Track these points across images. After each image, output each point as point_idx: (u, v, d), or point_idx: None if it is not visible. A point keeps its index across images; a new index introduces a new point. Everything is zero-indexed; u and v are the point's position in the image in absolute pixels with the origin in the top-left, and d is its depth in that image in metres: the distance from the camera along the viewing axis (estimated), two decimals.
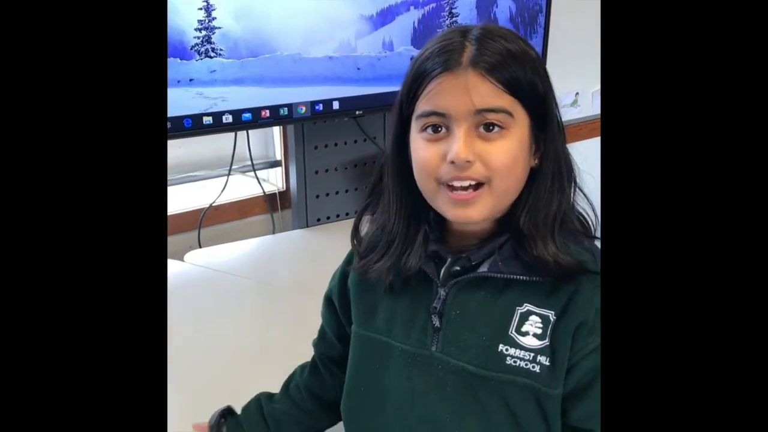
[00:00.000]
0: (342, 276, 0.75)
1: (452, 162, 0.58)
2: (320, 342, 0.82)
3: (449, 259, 0.65)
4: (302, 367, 0.84)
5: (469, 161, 0.58)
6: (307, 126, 1.52)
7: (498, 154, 0.59)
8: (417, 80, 0.60)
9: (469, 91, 0.58)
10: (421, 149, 0.61)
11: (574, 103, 1.98)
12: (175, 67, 1.21)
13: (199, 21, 1.22)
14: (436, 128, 0.60)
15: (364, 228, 0.72)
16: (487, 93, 0.58)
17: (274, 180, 1.69)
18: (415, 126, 0.62)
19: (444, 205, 0.61)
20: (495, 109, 0.58)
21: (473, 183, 0.59)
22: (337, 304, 0.76)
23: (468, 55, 0.58)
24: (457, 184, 0.59)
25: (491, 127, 0.59)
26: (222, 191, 1.54)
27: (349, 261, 0.75)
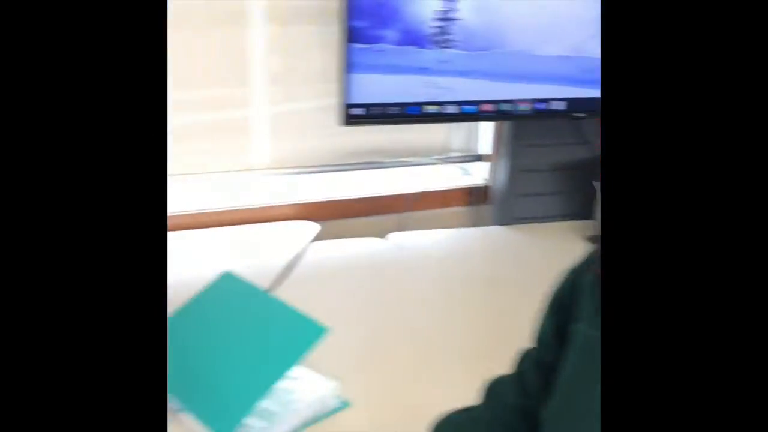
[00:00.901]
0: (571, 274, 0.73)
1: None
2: (537, 346, 0.80)
3: None
4: (510, 385, 0.81)
5: None
6: (522, 122, 1.50)
7: None
8: None
9: None
10: None
11: None
12: (410, 54, 1.24)
13: (438, 12, 1.24)
14: None
15: None
16: None
17: (474, 173, 1.69)
18: None
19: None
20: None
21: None
22: (560, 301, 0.74)
23: None
24: None
25: None
26: (428, 180, 1.57)
27: (586, 262, 0.72)
